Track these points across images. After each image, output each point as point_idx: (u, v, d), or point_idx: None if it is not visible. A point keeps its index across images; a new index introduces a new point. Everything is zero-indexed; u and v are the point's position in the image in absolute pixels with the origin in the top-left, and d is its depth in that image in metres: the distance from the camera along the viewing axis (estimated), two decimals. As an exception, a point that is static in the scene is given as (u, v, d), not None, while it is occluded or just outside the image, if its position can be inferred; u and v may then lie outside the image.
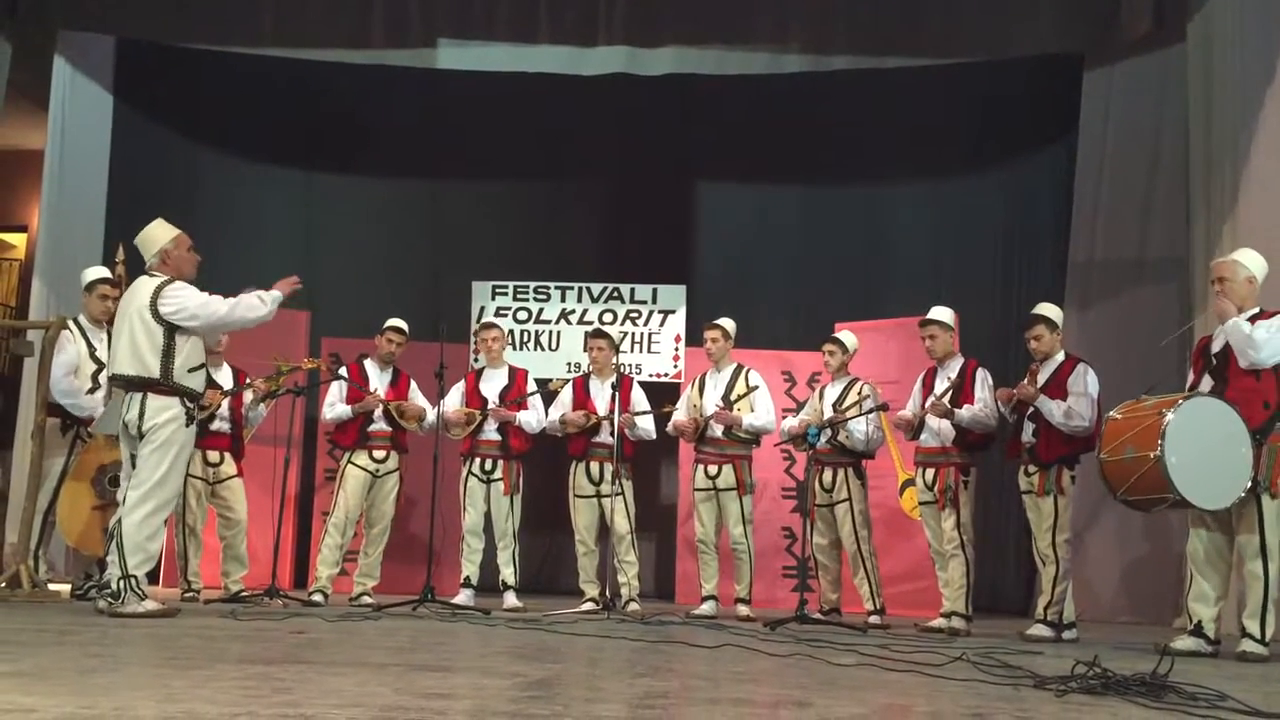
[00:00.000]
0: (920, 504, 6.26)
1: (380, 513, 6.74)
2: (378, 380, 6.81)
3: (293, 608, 5.89)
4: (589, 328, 7.94)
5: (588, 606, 6.49)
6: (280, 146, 9.27)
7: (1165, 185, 7.69)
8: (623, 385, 6.66)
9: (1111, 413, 4.97)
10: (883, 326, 7.93)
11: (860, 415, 6.35)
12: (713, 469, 6.70)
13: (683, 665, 3.80)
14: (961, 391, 6.06)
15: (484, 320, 7.46)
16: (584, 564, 6.76)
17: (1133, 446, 4.69)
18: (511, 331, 8.26)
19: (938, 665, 3.80)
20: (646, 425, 6.81)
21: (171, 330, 4.93)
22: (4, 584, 5.70)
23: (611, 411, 6.54)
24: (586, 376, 6.97)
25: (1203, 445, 4.60)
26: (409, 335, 6.93)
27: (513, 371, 6.96)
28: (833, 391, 6.67)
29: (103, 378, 5.96)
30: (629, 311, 8.38)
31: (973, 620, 6.01)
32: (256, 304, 5.13)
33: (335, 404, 6.77)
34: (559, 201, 9.34)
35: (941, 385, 6.15)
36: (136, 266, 5.44)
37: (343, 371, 6.85)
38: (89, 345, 6.19)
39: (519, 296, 8.43)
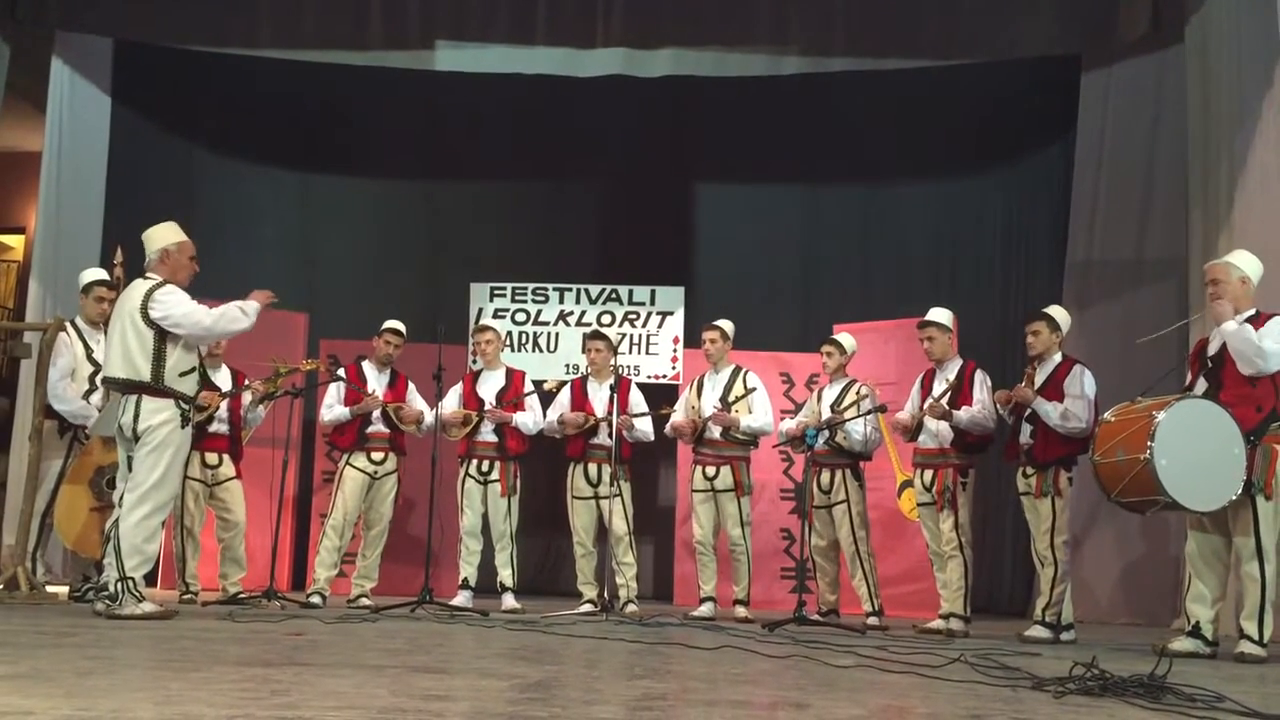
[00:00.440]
0: (919, 505, 6.26)
1: (378, 514, 6.74)
2: (376, 382, 6.80)
3: (290, 609, 5.89)
4: (587, 329, 7.93)
5: (586, 608, 6.49)
6: (278, 148, 9.27)
7: (1163, 186, 7.70)
8: (621, 387, 6.67)
9: (1106, 414, 4.98)
10: (881, 328, 7.93)
11: (858, 417, 6.35)
12: (711, 470, 6.71)
13: (681, 667, 3.80)
14: (960, 393, 6.06)
15: (480, 322, 7.46)
16: (582, 565, 6.76)
17: (1124, 448, 4.69)
18: (510, 333, 8.26)
19: (936, 666, 3.80)
20: (645, 427, 6.81)
21: (162, 334, 4.94)
22: (2, 586, 5.70)
23: (610, 413, 6.54)
24: (585, 378, 6.97)
25: (1194, 447, 4.60)
26: (407, 337, 6.93)
27: (510, 373, 6.96)
28: (830, 393, 6.67)
29: (100, 379, 5.95)
30: (627, 313, 8.38)
31: (971, 621, 6.02)
32: (239, 315, 5.16)
33: (333, 406, 6.77)
34: (557, 203, 9.34)
35: (940, 387, 6.16)
36: (135, 269, 5.44)
37: (341, 373, 6.85)
38: (86, 347, 6.19)
39: (517, 298, 8.43)
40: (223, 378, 6.60)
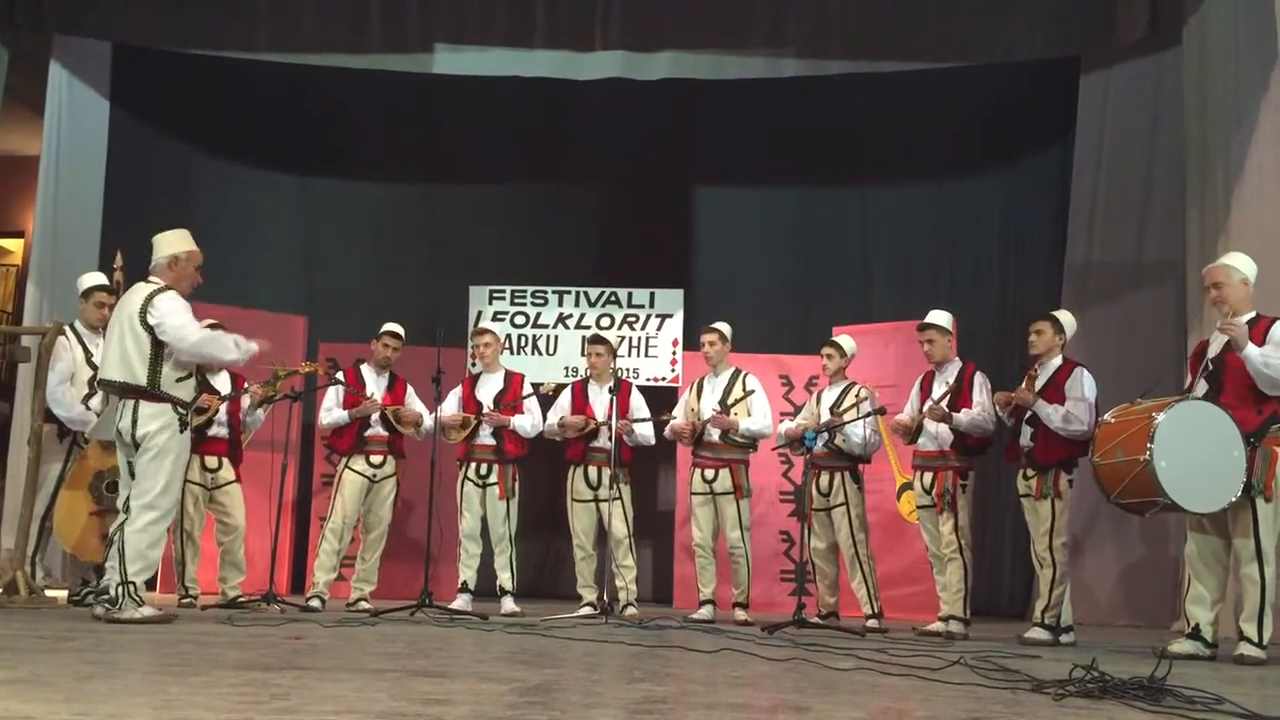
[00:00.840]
0: (918, 508, 6.26)
1: (377, 518, 6.74)
2: (375, 385, 6.80)
3: (290, 613, 5.89)
4: (586, 332, 7.94)
5: (585, 611, 6.49)
6: (277, 151, 9.28)
7: (1161, 188, 7.71)
8: (621, 390, 6.67)
9: (1105, 416, 4.98)
10: (880, 330, 7.94)
11: (858, 419, 6.35)
12: (710, 473, 6.71)
13: (680, 670, 3.80)
14: (960, 395, 6.07)
15: (480, 325, 7.46)
16: (582, 568, 6.76)
17: (1123, 450, 4.69)
18: (509, 336, 8.26)
19: (935, 669, 3.80)
20: (645, 431, 6.82)
21: (159, 339, 4.94)
22: (1, 590, 5.69)
23: (610, 416, 6.54)
24: (585, 381, 6.97)
25: (1194, 448, 4.60)
26: (406, 340, 6.93)
27: (508, 376, 6.96)
28: (830, 395, 6.67)
29: (96, 381, 5.95)
30: (626, 316, 8.38)
31: (970, 624, 6.01)
32: (229, 346, 5.14)
33: (332, 409, 6.77)
34: (556, 206, 9.34)
35: (939, 389, 6.16)
36: (134, 273, 5.44)
37: (340, 376, 6.85)
38: (86, 351, 6.18)
39: (516, 301, 8.44)
40: (221, 381, 6.59)
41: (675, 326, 8.31)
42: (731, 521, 6.65)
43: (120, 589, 4.81)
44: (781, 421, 7.01)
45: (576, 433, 6.68)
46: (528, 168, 9.23)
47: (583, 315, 8.40)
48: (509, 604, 6.61)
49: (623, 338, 8.21)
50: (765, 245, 9.14)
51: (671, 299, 8.39)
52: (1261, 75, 6.44)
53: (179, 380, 5.00)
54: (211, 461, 6.48)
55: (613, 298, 8.41)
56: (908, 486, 6.68)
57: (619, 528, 6.58)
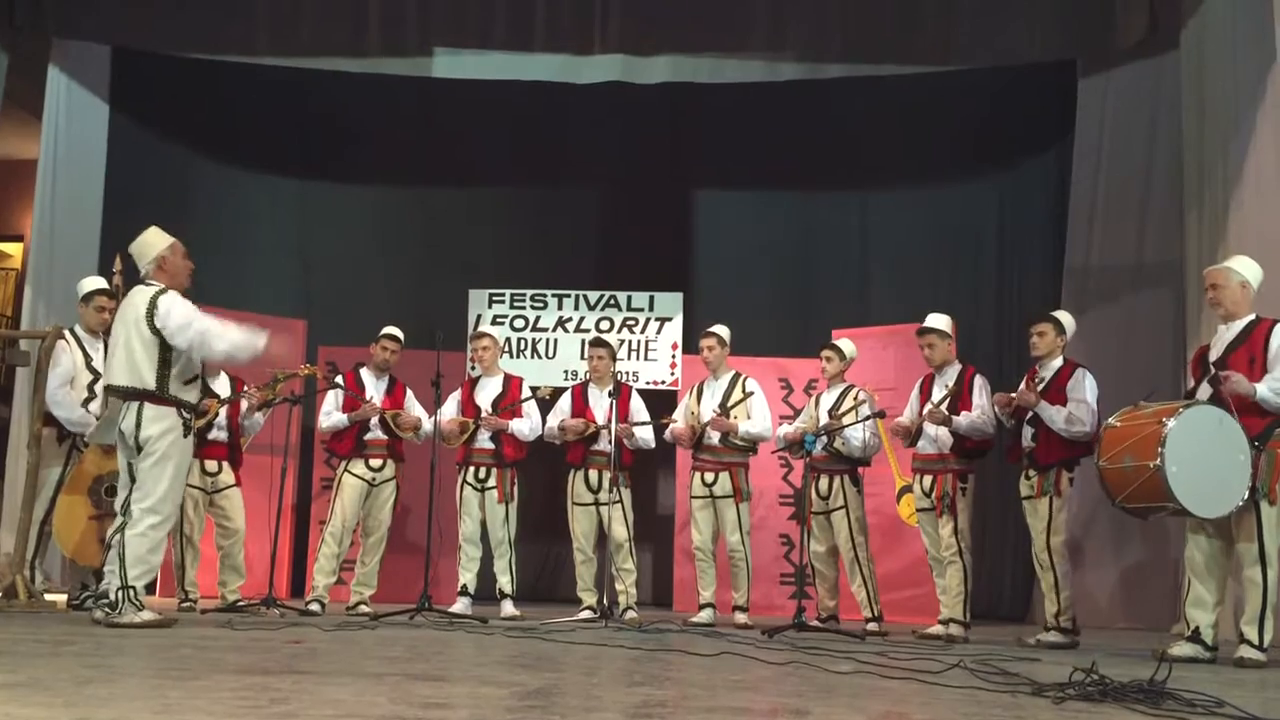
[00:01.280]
0: (918, 510, 6.26)
1: (377, 521, 6.74)
2: (374, 389, 6.80)
3: (290, 617, 5.88)
4: (586, 335, 7.95)
5: (585, 615, 6.49)
6: (276, 155, 9.28)
7: (1160, 190, 7.73)
8: (621, 394, 6.67)
9: (1110, 419, 4.97)
10: (879, 333, 7.94)
11: (857, 422, 6.35)
12: (710, 476, 6.71)
13: (680, 673, 3.80)
14: (960, 399, 6.07)
15: (479, 329, 7.46)
16: (582, 572, 6.75)
17: (1131, 455, 4.68)
18: (508, 339, 8.27)
19: (935, 672, 3.79)
20: (645, 434, 6.81)
21: (167, 342, 4.92)
22: (1, 594, 5.69)
23: (610, 420, 6.54)
24: (585, 385, 6.97)
25: (1202, 453, 4.59)
26: (405, 343, 6.93)
27: (507, 380, 6.96)
28: (829, 399, 6.67)
29: (98, 388, 5.95)
30: (626, 319, 8.38)
31: (970, 627, 6.02)
32: (234, 330, 4.98)
33: (331, 413, 6.77)
34: (555, 209, 9.34)
35: (939, 392, 6.16)
36: (134, 277, 5.43)
37: (339, 380, 6.85)
38: (85, 355, 6.17)
39: (516, 304, 8.44)
40: (221, 384, 6.59)
41: (675, 330, 8.32)
42: (731, 525, 6.65)
43: (120, 593, 4.79)
44: (781, 425, 7.01)
45: (576, 436, 6.68)
46: (527, 171, 9.24)
47: (582, 319, 8.41)
48: (509, 607, 6.60)
49: (622, 341, 8.22)
50: (764, 248, 9.14)
51: (671, 302, 8.39)
52: (1260, 78, 6.44)
53: (186, 383, 4.99)
54: (211, 465, 6.48)
55: (612, 301, 8.41)
56: (907, 489, 6.68)
57: (619, 531, 6.58)
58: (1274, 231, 6.11)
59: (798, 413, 7.48)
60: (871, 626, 6.33)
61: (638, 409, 6.88)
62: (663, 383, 8.24)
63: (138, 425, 4.88)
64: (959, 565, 5.97)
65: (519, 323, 8.42)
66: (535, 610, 6.86)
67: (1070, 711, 2.99)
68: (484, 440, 6.73)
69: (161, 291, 5.01)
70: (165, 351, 4.91)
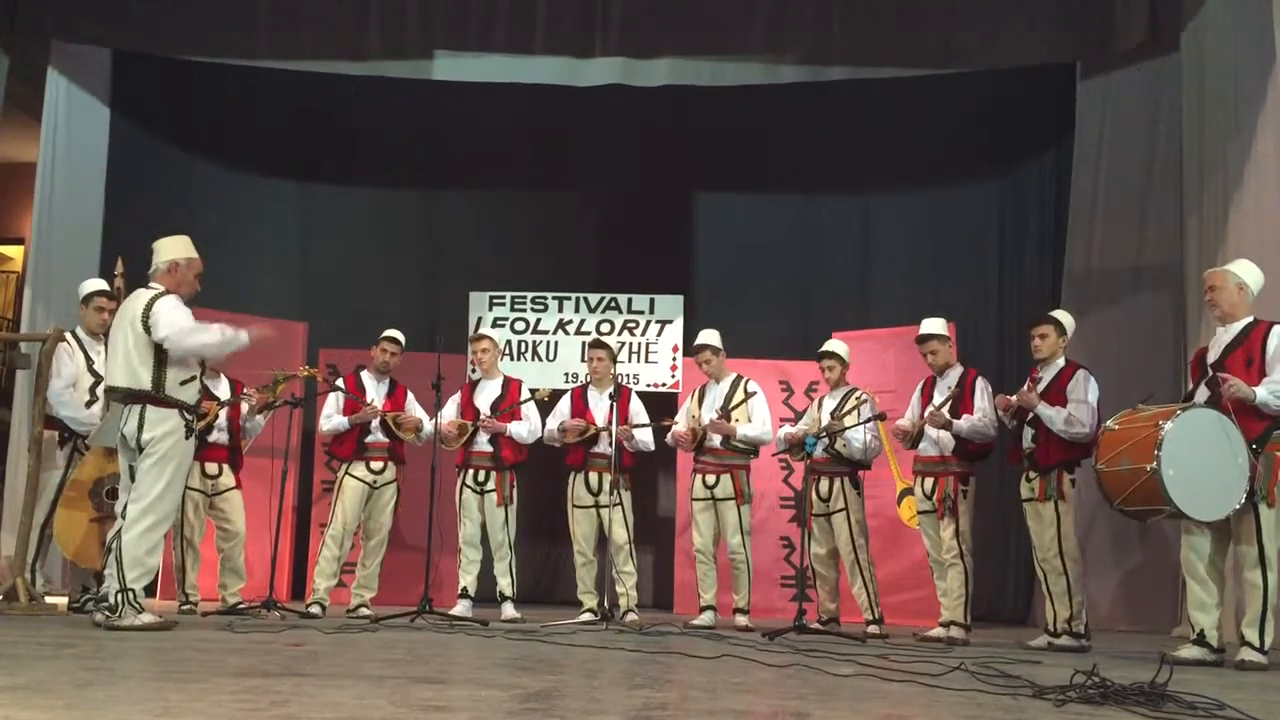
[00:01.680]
0: (919, 513, 6.26)
1: (378, 524, 6.74)
2: (374, 391, 6.80)
3: (290, 620, 5.88)
4: (587, 338, 7.95)
5: (586, 617, 6.48)
6: (277, 158, 9.29)
7: (1160, 193, 7.72)
8: (621, 396, 6.67)
9: (1108, 422, 4.98)
10: (880, 335, 7.94)
11: (858, 424, 6.35)
12: (711, 478, 6.70)
13: (681, 676, 3.80)
14: (961, 401, 6.07)
15: (479, 331, 7.46)
16: (582, 574, 6.75)
17: (1129, 458, 4.69)
18: (509, 342, 8.27)
19: (936, 675, 3.79)
20: (645, 437, 6.81)
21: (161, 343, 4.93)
22: (2, 597, 5.69)
23: (610, 422, 6.54)
24: (585, 387, 6.97)
25: (1199, 457, 4.60)
26: (406, 346, 6.93)
27: (507, 382, 6.96)
28: (831, 401, 6.67)
29: (100, 390, 5.95)
30: (626, 321, 8.38)
31: (971, 629, 6.01)
32: (213, 329, 4.99)
33: (332, 415, 6.77)
34: (556, 212, 9.35)
35: (941, 395, 6.16)
36: (135, 279, 5.44)
37: (340, 383, 6.85)
38: (87, 358, 6.18)
39: (516, 307, 8.44)
40: (221, 387, 6.59)
41: (675, 332, 8.32)
42: (733, 527, 6.64)
43: (119, 596, 4.79)
44: (782, 427, 7.00)
45: (576, 437, 6.68)
46: (527, 173, 9.24)
47: (583, 321, 8.41)
48: (509, 610, 6.60)
49: (623, 343, 8.22)
50: (765, 250, 9.15)
51: (671, 305, 8.40)
52: (1260, 81, 6.44)
53: (183, 384, 4.99)
54: (212, 468, 6.48)
55: (613, 303, 8.41)
56: (908, 492, 6.68)
57: (619, 533, 6.58)
58: (1274, 233, 6.11)
59: (799, 415, 7.49)
60: (872, 629, 6.33)
61: (637, 411, 6.87)
62: (663, 385, 8.24)
63: (140, 428, 4.89)
64: (960, 568, 5.97)
65: (520, 325, 8.42)
66: (536, 613, 6.86)
67: (1071, 714, 2.99)
68: (483, 443, 6.73)
69: (161, 295, 5.02)
70: (161, 353, 4.92)
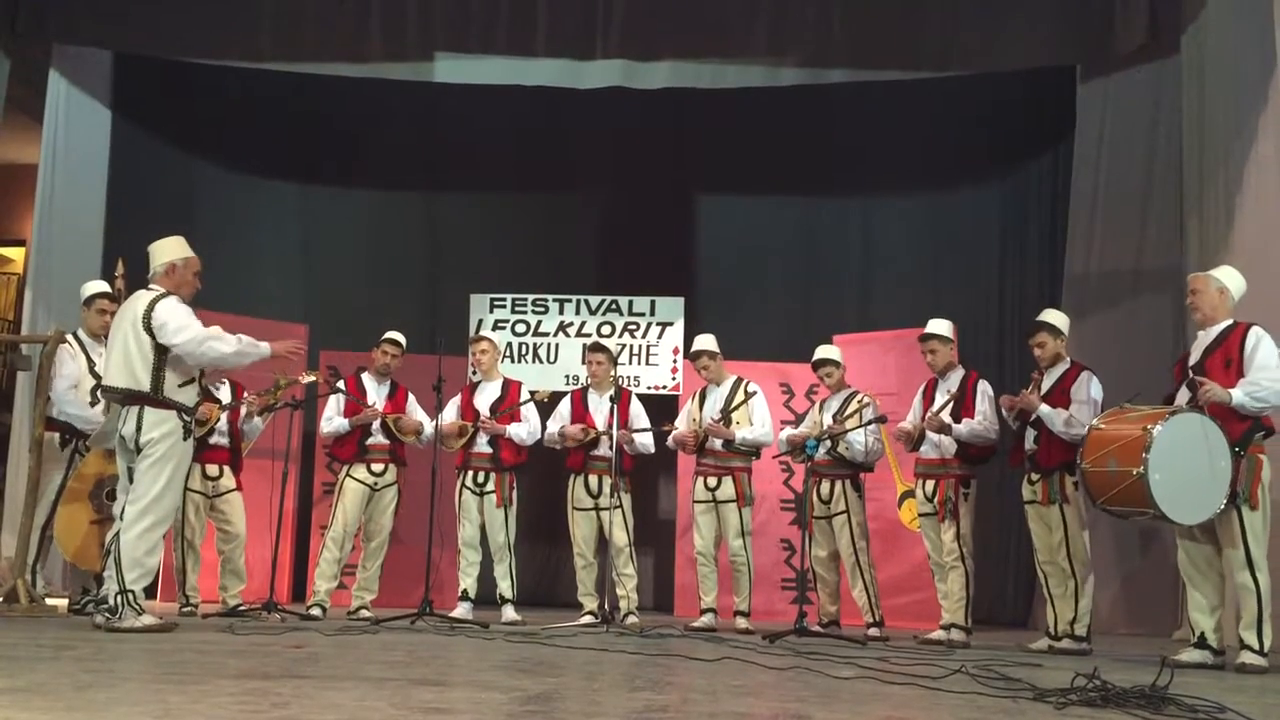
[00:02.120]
0: (920, 515, 6.26)
1: (378, 526, 6.74)
2: (375, 393, 6.80)
3: (291, 622, 5.88)
4: (587, 340, 7.94)
5: (586, 619, 6.47)
6: (278, 160, 9.29)
7: (1160, 196, 7.72)
8: (621, 399, 6.66)
9: (1094, 421, 5.01)
10: (881, 338, 7.94)
11: (860, 427, 6.35)
12: (712, 481, 6.70)
13: (682, 678, 3.80)
14: (962, 404, 6.07)
15: (478, 333, 7.47)
16: (582, 577, 6.75)
17: (1116, 459, 4.71)
18: (509, 344, 8.28)
19: (937, 678, 3.79)
20: (645, 440, 6.81)
21: (162, 345, 4.93)
22: (2, 599, 5.68)
23: (610, 425, 6.53)
24: (585, 389, 6.97)
25: (1184, 460, 4.64)
26: (407, 348, 6.93)
27: (506, 384, 6.96)
28: (832, 404, 6.67)
29: (100, 389, 5.95)
30: (627, 324, 8.38)
31: (972, 632, 6.01)
32: (229, 339, 5.01)
33: (333, 417, 6.77)
34: (557, 214, 9.35)
35: (941, 398, 6.16)
36: (136, 281, 5.44)
37: (340, 385, 6.85)
38: (89, 360, 6.18)
39: (517, 309, 8.45)
40: (223, 391, 6.60)
41: (676, 334, 8.32)
42: (734, 529, 6.64)
43: (119, 598, 4.79)
44: (783, 429, 7.00)
45: (577, 443, 6.68)
46: (528, 176, 9.24)
47: (583, 323, 8.41)
48: (509, 612, 6.59)
49: (623, 346, 8.22)
50: (765, 253, 9.15)
51: (672, 307, 8.40)
52: (1260, 83, 6.45)
53: (181, 386, 4.99)
54: (212, 470, 6.48)
55: (613, 306, 8.42)
56: (909, 494, 6.68)
57: (619, 536, 6.58)
58: (1275, 235, 6.11)
59: (800, 417, 7.49)
60: (873, 632, 6.32)
61: (637, 414, 6.87)
62: (664, 387, 8.24)
63: (139, 428, 4.89)
64: (961, 570, 5.97)
65: (520, 327, 8.43)
66: (536, 615, 6.85)
67: (1072, 717, 2.99)
68: (482, 445, 6.73)
69: (162, 296, 5.02)
70: (160, 355, 4.92)
